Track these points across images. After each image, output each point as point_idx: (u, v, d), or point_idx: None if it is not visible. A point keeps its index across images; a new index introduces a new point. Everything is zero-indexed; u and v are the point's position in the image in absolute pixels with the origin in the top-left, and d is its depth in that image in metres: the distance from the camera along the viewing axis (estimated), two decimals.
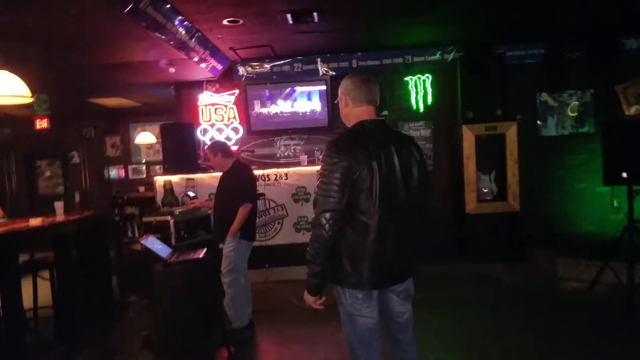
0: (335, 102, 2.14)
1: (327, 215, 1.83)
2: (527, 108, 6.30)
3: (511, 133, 5.76)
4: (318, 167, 5.47)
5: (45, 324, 4.14)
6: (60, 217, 4.04)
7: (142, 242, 3.44)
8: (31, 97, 3.47)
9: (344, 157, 1.83)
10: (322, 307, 2.00)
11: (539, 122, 6.39)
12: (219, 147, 3.84)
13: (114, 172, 9.10)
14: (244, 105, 6.24)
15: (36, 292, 4.21)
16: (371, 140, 1.92)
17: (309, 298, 1.99)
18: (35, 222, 3.70)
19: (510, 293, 4.66)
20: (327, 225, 1.83)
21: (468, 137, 5.76)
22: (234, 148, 6.10)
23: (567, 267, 4.96)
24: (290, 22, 4.59)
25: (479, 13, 4.97)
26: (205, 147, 3.97)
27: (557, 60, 6.24)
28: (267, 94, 6.27)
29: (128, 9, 3.59)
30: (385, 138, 1.98)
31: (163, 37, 4.24)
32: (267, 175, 5.41)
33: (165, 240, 3.67)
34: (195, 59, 5.05)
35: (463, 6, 4.70)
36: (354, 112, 2.03)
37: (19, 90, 3.34)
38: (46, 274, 4.21)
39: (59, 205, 4.18)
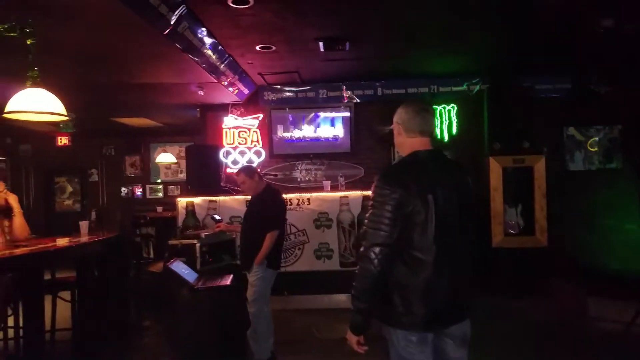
0: (389, 129, 2.07)
1: (377, 249, 1.74)
2: (555, 142, 6.23)
3: (539, 166, 5.67)
4: (341, 194, 5.44)
5: (63, 345, 4.04)
6: (85, 237, 3.99)
7: (170, 266, 3.36)
8: (67, 115, 3.47)
9: (396, 188, 1.74)
10: (364, 351, 1.86)
11: (566, 156, 6.31)
12: (254, 170, 3.80)
13: (131, 191, 9.11)
14: (267, 129, 6.25)
15: (55, 312, 4.13)
16: (425, 171, 1.84)
17: (351, 337, 1.85)
18: (62, 241, 3.65)
19: (536, 330, 4.47)
20: (376, 260, 1.74)
21: (495, 168, 5.67)
22: None
23: (598, 306, 4.77)
24: (322, 49, 4.61)
25: (506, 46, 4.99)
26: (236, 170, 3.91)
27: (585, 94, 6.19)
28: (291, 119, 6.28)
29: (167, 31, 3.63)
30: (441, 169, 1.89)
31: (196, 59, 4.27)
32: (290, 199, 5.34)
33: (190, 264, 3.60)
34: (225, 83, 5.09)
35: (490, 39, 4.72)
36: (407, 142, 1.95)
37: (56, 108, 3.34)
38: (65, 294, 4.14)
39: (83, 225, 4.13)
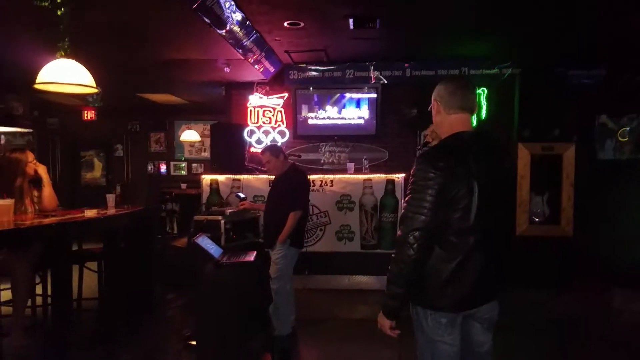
0: (429, 108, 1.99)
1: (417, 234, 1.69)
2: (585, 130, 6.01)
3: (569, 154, 5.50)
4: (364, 177, 5.40)
5: (89, 314, 4.16)
6: (111, 209, 4.05)
7: (196, 241, 3.38)
8: (96, 87, 3.49)
9: (441, 172, 1.68)
10: (396, 335, 1.85)
11: (597, 145, 6.10)
12: (280, 150, 3.82)
13: (155, 167, 9.22)
14: (292, 109, 6.19)
15: (81, 282, 4.24)
16: (471, 154, 1.76)
17: (384, 322, 1.84)
18: (90, 213, 3.71)
19: (558, 322, 4.38)
20: (415, 245, 1.69)
21: (523, 155, 5.52)
22: None
23: (624, 299, 4.66)
24: (351, 27, 4.50)
25: (540, 32, 4.80)
26: (262, 149, 3.90)
27: (619, 82, 5.95)
28: (316, 99, 6.20)
29: (196, 4, 3.58)
30: (486, 153, 1.83)
31: (223, 34, 4.22)
32: (313, 180, 5.31)
33: (215, 240, 3.62)
34: (251, 60, 5.03)
35: (524, 24, 4.55)
36: (447, 120, 1.87)
37: (86, 79, 3.36)
38: (93, 265, 4.24)
39: (110, 198, 4.20)
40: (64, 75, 3.26)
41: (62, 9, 3.46)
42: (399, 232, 1.77)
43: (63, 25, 3.46)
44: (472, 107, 1.89)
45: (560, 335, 4.07)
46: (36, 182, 3.87)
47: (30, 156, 3.89)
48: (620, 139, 6.07)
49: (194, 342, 3.61)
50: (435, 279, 1.76)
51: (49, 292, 3.71)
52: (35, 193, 3.88)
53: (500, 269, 1.88)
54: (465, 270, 1.74)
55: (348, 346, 3.72)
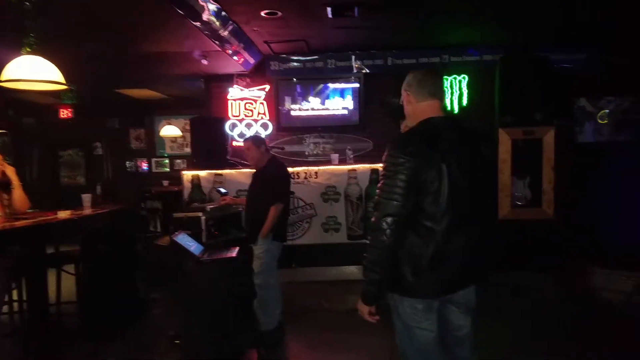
0: (400, 102, 2.00)
1: (389, 219, 1.70)
2: (566, 113, 6.06)
3: (549, 138, 5.52)
4: (349, 167, 5.36)
5: (69, 318, 4.05)
6: (87, 210, 3.94)
7: (174, 238, 3.31)
8: (65, 84, 3.36)
9: (411, 157, 1.69)
10: (376, 320, 1.86)
11: (576, 128, 6.16)
12: (262, 140, 3.75)
13: (137, 165, 9.04)
14: (274, 101, 6.10)
15: (60, 286, 4.12)
16: (441, 139, 1.77)
17: (363, 308, 1.85)
18: (63, 214, 3.60)
19: (541, 303, 4.45)
20: (388, 230, 1.70)
21: (504, 141, 5.54)
22: None
23: (605, 278, 4.74)
24: (330, 15, 4.43)
25: (521, 15, 4.78)
26: (245, 139, 3.82)
27: (599, 65, 6.00)
28: (298, 90, 6.12)
29: None
30: (457, 137, 1.83)
31: (199, 25, 4.11)
32: (297, 173, 5.26)
33: (196, 237, 3.54)
34: (229, 52, 4.93)
35: (504, 9, 4.52)
36: (418, 108, 1.90)
37: (54, 76, 3.23)
38: (71, 267, 4.12)
39: (86, 198, 4.09)
40: (31, 72, 3.14)
41: (28, 3, 3.32)
42: (372, 219, 1.77)
43: (29, 20, 3.32)
44: (440, 93, 1.93)
45: (543, 315, 4.11)
46: (4, 185, 3.71)
47: None
48: (599, 121, 6.14)
49: (178, 341, 3.54)
50: (410, 266, 1.77)
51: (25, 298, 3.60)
52: (5, 196, 3.72)
53: (477, 254, 1.88)
54: (440, 256, 1.75)
55: (336, 336, 3.70)
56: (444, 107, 1.94)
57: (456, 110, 6.15)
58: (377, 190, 1.77)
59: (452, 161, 1.74)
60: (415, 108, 1.90)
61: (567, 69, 6.04)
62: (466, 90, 6.12)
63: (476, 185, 1.83)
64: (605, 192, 6.07)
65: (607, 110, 6.09)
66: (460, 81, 6.11)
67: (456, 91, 6.13)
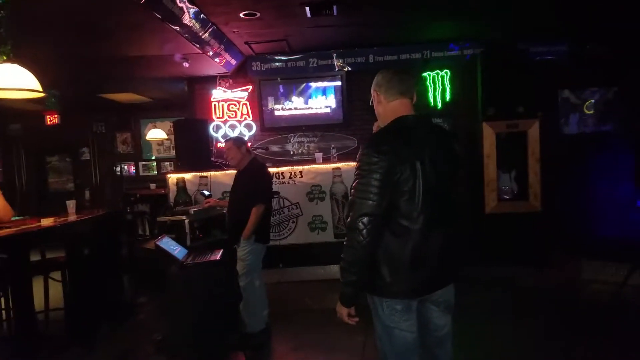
0: (370, 103, 2.00)
1: (365, 219, 1.68)
2: (549, 105, 6.11)
3: (533, 131, 5.56)
4: (333, 165, 5.37)
5: (57, 325, 4.05)
6: (72, 216, 3.93)
7: (157, 243, 3.31)
8: (42, 92, 3.35)
9: (385, 156, 1.68)
10: (355, 322, 1.84)
11: (561, 120, 6.20)
12: (244, 142, 3.74)
13: (124, 169, 9.01)
14: (257, 102, 6.11)
15: (47, 292, 4.12)
16: (414, 137, 1.77)
17: (342, 310, 1.83)
18: (47, 222, 3.59)
19: (531, 296, 4.48)
20: (364, 231, 1.68)
21: (488, 134, 5.57)
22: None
23: (592, 269, 4.79)
24: (309, 15, 4.44)
25: (500, 9, 4.81)
26: (226, 140, 3.82)
27: (581, 56, 6.04)
28: (281, 90, 6.13)
29: None
30: (428, 135, 1.83)
31: (178, 29, 4.11)
32: (282, 173, 5.27)
33: (180, 240, 3.55)
34: (210, 54, 4.92)
35: (484, 2, 4.54)
36: (389, 107, 1.88)
37: (30, 84, 3.22)
38: (57, 274, 4.12)
39: (70, 204, 4.07)
40: (7, 80, 3.12)
41: (1, 12, 3.30)
42: (348, 219, 1.75)
43: (3, 28, 3.31)
44: (411, 92, 1.91)
45: (533, 308, 4.15)
46: None
47: None
48: (586, 111, 6.19)
49: (165, 345, 3.55)
50: (388, 266, 1.76)
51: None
52: None
53: (455, 252, 1.88)
54: (418, 255, 1.74)
55: (323, 336, 3.70)
56: (415, 105, 1.93)
57: (439, 105, 6.19)
58: (352, 190, 1.76)
59: (426, 159, 1.73)
60: (386, 107, 1.89)
61: (548, 61, 6.08)
62: (449, 85, 6.15)
63: (451, 182, 1.83)
64: (591, 183, 6.13)
65: (592, 101, 6.14)
66: (442, 76, 6.14)
67: (439, 86, 6.16)
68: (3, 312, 3.84)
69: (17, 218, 3.94)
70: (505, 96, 5.58)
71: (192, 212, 3.83)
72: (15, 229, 3.33)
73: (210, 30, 4.60)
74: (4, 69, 3.15)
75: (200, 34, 4.48)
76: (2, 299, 3.79)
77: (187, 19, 4.12)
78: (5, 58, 3.29)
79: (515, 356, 3.25)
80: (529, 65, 5.76)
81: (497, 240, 5.60)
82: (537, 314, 4.00)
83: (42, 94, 3.37)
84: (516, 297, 4.47)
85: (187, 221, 3.72)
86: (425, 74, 6.14)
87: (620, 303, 4.13)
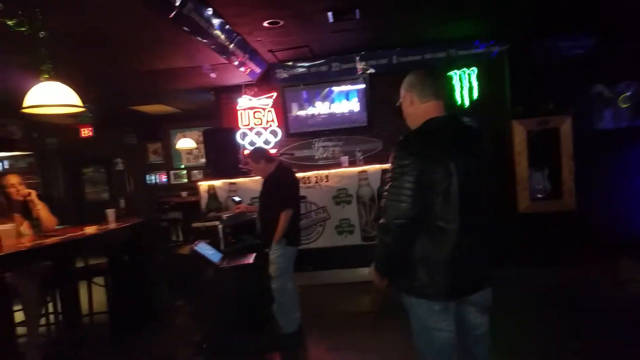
0: (397, 104, 2.00)
1: (399, 221, 1.70)
2: (581, 100, 5.95)
3: (565, 127, 5.46)
4: (359, 169, 5.39)
5: (101, 328, 4.23)
6: (112, 224, 4.11)
7: (194, 248, 3.43)
8: (83, 106, 3.53)
9: (417, 158, 1.69)
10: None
11: (594, 115, 6.03)
12: (260, 154, 3.78)
13: (157, 178, 9.29)
14: (281, 108, 6.21)
15: (91, 297, 4.31)
16: (445, 138, 1.77)
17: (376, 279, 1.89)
18: (90, 229, 3.77)
19: (565, 297, 4.38)
20: (398, 233, 1.71)
21: (519, 132, 5.50)
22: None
23: (631, 269, 4.65)
24: (331, 20, 4.50)
25: (524, 4, 4.74)
26: (246, 153, 3.93)
27: (612, 49, 5.86)
28: (305, 96, 6.21)
29: (173, 14, 3.60)
30: (461, 135, 1.83)
31: (205, 41, 4.24)
32: (308, 177, 5.34)
33: (214, 245, 3.66)
34: (235, 63, 5.05)
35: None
36: (421, 109, 1.87)
37: (72, 100, 3.40)
38: (100, 279, 4.31)
39: (110, 213, 4.26)
40: (50, 97, 3.31)
41: (42, 33, 3.50)
42: (381, 221, 1.77)
43: (44, 48, 3.50)
44: (444, 93, 1.91)
45: (565, 309, 4.06)
46: (25, 211, 3.93)
47: (11, 179, 3.91)
48: (620, 105, 6.00)
49: (204, 346, 3.66)
50: (425, 268, 1.76)
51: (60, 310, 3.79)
52: (34, 216, 3.95)
53: (492, 254, 1.87)
54: (454, 257, 1.74)
55: (354, 337, 3.75)
56: (445, 106, 1.90)
57: (467, 104, 6.12)
58: (385, 193, 1.77)
59: (460, 160, 1.73)
60: (418, 109, 1.87)
61: (578, 55, 5.92)
62: (476, 83, 6.08)
63: (485, 182, 1.81)
64: (628, 179, 5.93)
65: (627, 94, 5.96)
66: (469, 74, 6.07)
67: (466, 85, 6.10)
68: (51, 316, 4.05)
69: (59, 227, 4.16)
70: (534, 93, 5.50)
71: (225, 218, 3.94)
72: (61, 237, 3.52)
73: (235, 40, 4.73)
74: (47, 87, 3.34)
75: (226, 44, 4.61)
76: (51, 304, 4.01)
77: (213, 31, 4.25)
78: (46, 76, 3.48)
79: (551, 356, 3.20)
80: (557, 60, 5.64)
81: (530, 241, 5.49)
82: (573, 314, 3.91)
83: (83, 109, 3.55)
84: (549, 298, 4.37)
85: (220, 227, 3.84)
86: (451, 73, 6.08)
87: None
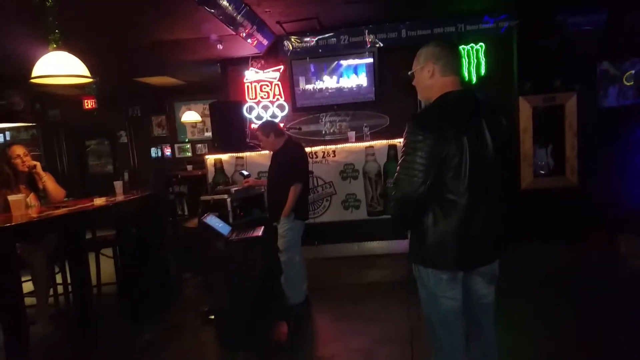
0: (410, 73, 1.96)
1: (410, 195, 1.73)
2: (588, 78, 5.90)
3: (570, 104, 5.44)
4: (366, 144, 5.41)
5: (109, 299, 4.32)
6: (120, 196, 4.13)
7: (204, 220, 3.47)
8: (91, 77, 3.50)
9: (430, 133, 1.69)
10: None
11: (600, 92, 5.99)
12: (270, 128, 3.79)
13: (161, 151, 9.27)
14: (289, 82, 6.14)
15: (99, 268, 4.38)
16: (460, 113, 1.77)
17: None
18: (99, 201, 3.80)
19: (566, 272, 4.47)
20: (409, 206, 1.76)
21: (525, 109, 5.48)
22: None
23: (632, 245, 4.71)
24: None
25: None
26: (255, 127, 3.93)
27: (621, 26, 5.77)
28: (312, 70, 6.14)
29: None
30: (475, 110, 1.83)
31: (212, 11, 4.17)
32: (315, 152, 5.35)
33: (223, 218, 3.70)
34: (243, 35, 4.97)
35: None
36: (439, 82, 1.85)
37: (80, 70, 3.37)
38: (108, 251, 4.37)
39: (118, 185, 4.28)
40: (59, 67, 3.28)
41: (49, 1, 3.44)
42: (394, 193, 1.80)
43: (52, 17, 3.45)
44: (461, 69, 1.91)
45: (565, 285, 4.14)
46: (31, 183, 3.94)
47: (16, 150, 3.89)
48: (626, 83, 5.96)
49: (212, 317, 3.75)
50: (435, 239, 1.80)
51: (69, 281, 3.85)
52: (40, 187, 3.96)
53: (502, 228, 1.89)
54: (465, 229, 1.77)
55: (359, 308, 3.84)
56: (461, 81, 1.90)
57: (474, 79, 6.07)
58: (398, 167, 1.79)
59: (473, 134, 1.73)
60: (438, 82, 1.85)
61: (586, 32, 5.83)
62: (484, 59, 6.01)
63: (498, 157, 1.81)
64: (631, 157, 5.94)
65: (632, 72, 5.90)
66: (477, 50, 5.99)
67: (474, 60, 6.03)
68: (60, 287, 4.12)
69: (66, 199, 4.18)
70: (541, 69, 5.45)
71: (233, 192, 3.97)
72: (70, 208, 3.55)
73: (243, 11, 4.64)
74: (55, 57, 3.30)
75: (234, 15, 4.53)
76: (60, 275, 4.08)
77: (221, 1, 4.18)
78: (54, 46, 3.44)
79: (551, 330, 3.29)
80: (566, 37, 5.55)
81: (532, 216, 5.54)
82: (572, 289, 3.99)
83: (91, 80, 3.53)
84: (550, 273, 4.46)
85: (229, 200, 3.86)
86: (459, 48, 6.00)
87: None
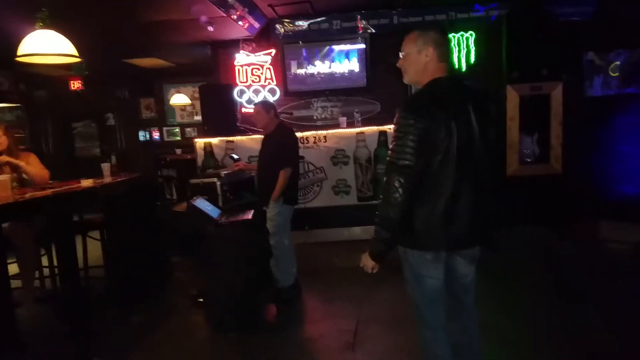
0: (402, 54, 1.96)
1: (402, 179, 1.77)
2: (574, 68, 5.98)
3: (556, 93, 5.53)
4: (357, 130, 5.43)
5: (97, 282, 4.31)
6: (107, 178, 4.10)
7: (193, 203, 3.47)
8: (78, 56, 3.44)
9: (421, 118, 1.75)
10: (373, 272, 1.95)
11: (585, 82, 6.09)
12: (272, 106, 3.83)
13: (150, 134, 9.17)
14: (280, 66, 6.11)
15: (86, 251, 4.36)
16: (450, 99, 1.83)
17: (368, 263, 1.93)
18: (86, 183, 3.76)
19: (550, 256, 4.60)
20: (401, 189, 1.77)
21: (512, 97, 5.54)
22: None
23: (612, 229, 4.87)
24: None
25: None
26: (256, 103, 3.90)
27: (608, 17, 5.84)
28: (304, 54, 6.11)
29: None
30: (463, 96, 1.88)
31: None
32: (306, 137, 5.36)
33: (212, 201, 3.71)
34: (234, 17, 4.92)
35: None
36: (434, 67, 1.89)
37: (67, 49, 3.32)
38: (95, 234, 4.34)
39: (106, 167, 4.25)
40: (46, 46, 3.22)
41: None
42: (385, 178, 1.84)
43: None
44: (450, 56, 1.94)
45: (551, 268, 4.27)
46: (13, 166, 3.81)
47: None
48: (611, 73, 6.05)
49: (201, 300, 3.78)
50: (420, 221, 1.85)
51: (55, 263, 3.82)
52: (22, 169, 3.83)
53: (486, 212, 1.94)
54: (450, 213, 1.83)
55: (348, 291, 3.91)
56: (449, 69, 1.96)
57: (464, 68, 6.10)
58: (389, 152, 1.83)
59: (461, 120, 1.79)
60: (433, 67, 1.88)
61: (574, 22, 5.89)
62: (473, 48, 6.04)
63: (484, 143, 1.86)
64: (613, 146, 6.07)
65: (617, 63, 5.99)
66: (467, 38, 6.03)
67: (463, 48, 6.06)
68: (46, 269, 4.09)
69: (52, 182, 4.11)
70: (529, 58, 5.50)
71: (223, 175, 3.97)
72: (57, 189, 3.51)
73: None
74: (42, 35, 3.24)
75: None
76: (46, 257, 4.04)
77: None
78: (41, 24, 3.37)
79: (532, 312, 3.38)
80: (554, 26, 5.60)
81: (517, 202, 5.64)
82: (555, 272, 4.11)
83: (79, 59, 3.47)
84: (534, 256, 4.59)
85: (218, 183, 3.87)
86: (450, 36, 6.03)
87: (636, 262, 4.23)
